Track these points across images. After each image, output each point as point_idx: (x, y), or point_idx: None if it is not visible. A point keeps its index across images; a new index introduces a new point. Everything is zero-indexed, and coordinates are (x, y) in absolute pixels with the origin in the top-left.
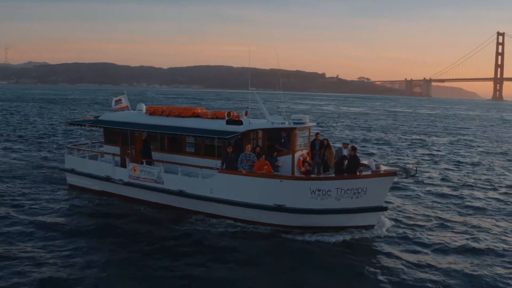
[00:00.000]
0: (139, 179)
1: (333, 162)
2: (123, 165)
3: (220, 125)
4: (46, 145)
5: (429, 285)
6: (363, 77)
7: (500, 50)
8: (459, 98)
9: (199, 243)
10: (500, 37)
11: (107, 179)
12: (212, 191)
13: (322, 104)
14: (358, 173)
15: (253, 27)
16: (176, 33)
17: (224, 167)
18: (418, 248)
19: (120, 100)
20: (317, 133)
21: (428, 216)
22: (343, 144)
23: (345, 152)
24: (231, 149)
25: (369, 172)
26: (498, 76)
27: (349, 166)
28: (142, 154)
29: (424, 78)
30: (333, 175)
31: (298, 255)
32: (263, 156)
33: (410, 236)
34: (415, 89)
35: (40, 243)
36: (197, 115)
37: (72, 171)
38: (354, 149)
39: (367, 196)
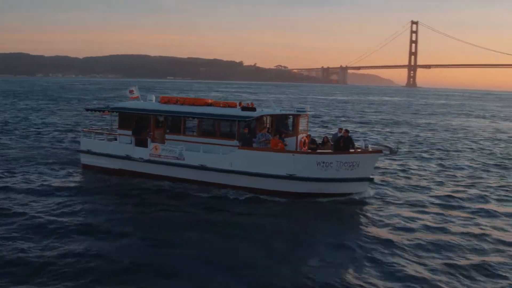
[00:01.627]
0: (161, 156)
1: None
2: (139, 145)
3: (236, 111)
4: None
5: (399, 233)
6: (281, 65)
7: (414, 38)
8: (375, 85)
9: (219, 210)
10: (414, 26)
11: (127, 157)
12: (232, 165)
13: (239, 92)
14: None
15: (171, 15)
16: (91, 22)
17: (241, 145)
18: (393, 208)
19: (132, 90)
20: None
21: (400, 187)
22: (338, 129)
23: (340, 135)
24: (247, 130)
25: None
26: (412, 63)
27: (344, 145)
28: (133, 132)
29: (341, 66)
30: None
31: (302, 215)
32: (277, 135)
33: (388, 201)
34: (332, 77)
35: (69, 214)
36: (210, 104)
37: (88, 152)
38: (347, 131)
39: (359, 168)
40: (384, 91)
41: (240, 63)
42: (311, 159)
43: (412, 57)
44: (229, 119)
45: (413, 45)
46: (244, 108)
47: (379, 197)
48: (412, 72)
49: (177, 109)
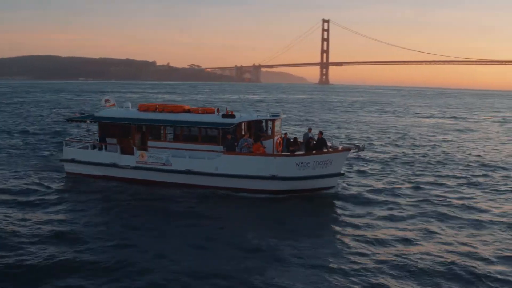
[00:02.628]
0: (147, 163)
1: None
2: (125, 153)
3: (217, 118)
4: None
5: (367, 218)
6: (194, 64)
7: (325, 36)
8: (288, 83)
9: (204, 209)
10: (325, 24)
11: (113, 165)
12: (217, 168)
13: (153, 92)
14: (325, 150)
15: (81, 15)
16: None
17: (226, 150)
18: (361, 199)
19: (108, 99)
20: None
21: (365, 181)
22: (308, 129)
23: (310, 135)
24: (230, 136)
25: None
26: (324, 61)
27: (318, 145)
28: (100, 139)
29: (254, 64)
30: (302, 152)
31: (280, 210)
32: (258, 141)
33: (356, 193)
34: (245, 75)
35: (58, 220)
36: (188, 110)
37: (72, 160)
38: (321, 133)
39: (332, 165)
40: (298, 88)
41: (153, 63)
42: (291, 161)
43: (324, 54)
44: (212, 126)
45: (325, 43)
46: (224, 116)
47: (346, 190)
48: (324, 69)
49: (160, 117)
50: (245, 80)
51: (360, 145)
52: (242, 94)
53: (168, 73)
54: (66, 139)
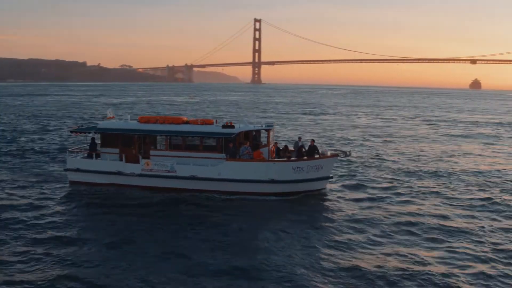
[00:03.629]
0: (152, 170)
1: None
2: (130, 161)
3: (218, 128)
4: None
5: (354, 212)
6: (126, 65)
7: (257, 36)
8: (221, 83)
9: (211, 210)
10: (257, 24)
11: (119, 173)
12: (220, 174)
13: (87, 95)
14: (317, 156)
15: (6, 14)
16: None
17: (228, 157)
18: (349, 197)
19: (110, 111)
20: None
21: (350, 181)
22: (298, 137)
23: (300, 143)
24: (232, 144)
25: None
26: (256, 60)
27: (310, 151)
28: (90, 148)
29: (186, 64)
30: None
31: (276, 210)
32: (260, 147)
33: (343, 194)
34: (177, 75)
35: (68, 225)
36: (187, 122)
37: (77, 170)
38: (313, 140)
39: (322, 170)
40: (230, 88)
41: (83, 63)
42: (288, 166)
43: (256, 54)
44: (216, 136)
45: (257, 42)
46: (224, 126)
47: (334, 192)
48: (256, 69)
49: (167, 128)
50: (177, 80)
51: (347, 151)
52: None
53: (99, 74)
54: (70, 149)
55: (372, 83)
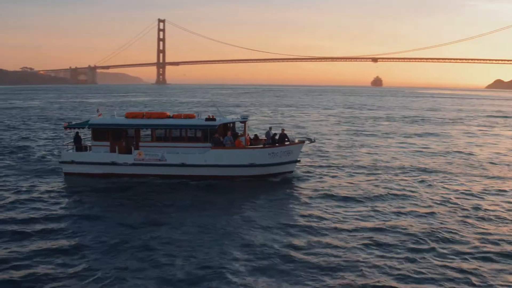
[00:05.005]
0: (144, 160)
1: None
2: (123, 152)
3: (202, 121)
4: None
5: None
6: (27, 67)
7: (161, 36)
8: (124, 84)
9: (198, 194)
10: (161, 24)
11: (112, 163)
12: (206, 161)
13: None
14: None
15: None
16: None
17: (213, 146)
18: (313, 180)
19: (98, 109)
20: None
21: (313, 166)
22: (269, 127)
23: (271, 132)
24: (216, 134)
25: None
26: (161, 61)
27: (281, 139)
28: (75, 142)
29: (89, 66)
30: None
31: (252, 190)
32: (239, 137)
33: (309, 175)
34: (80, 77)
35: (70, 212)
36: (171, 116)
37: (72, 162)
38: (283, 129)
39: (292, 154)
40: (136, 89)
41: None
42: (265, 151)
43: (161, 54)
44: (202, 128)
45: (161, 43)
46: (207, 119)
47: (301, 173)
48: (161, 69)
49: (157, 122)
50: (80, 81)
51: (312, 138)
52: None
53: None
54: (64, 143)
55: (277, 82)
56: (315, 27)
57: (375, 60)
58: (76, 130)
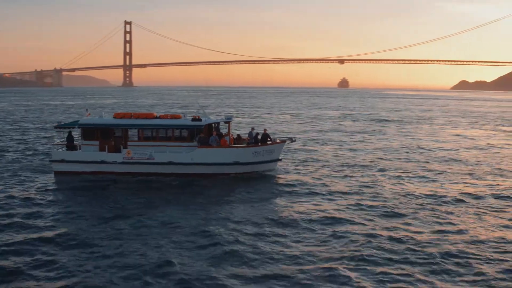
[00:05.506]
0: (133, 158)
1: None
2: (112, 151)
3: (189, 121)
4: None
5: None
6: None
7: (128, 38)
8: (90, 86)
9: (184, 190)
10: (128, 26)
11: (102, 162)
12: (192, 159)
13: None
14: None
15: None
16: None
17: (200, 145)
18: (293, 176)
19: (87, 109)
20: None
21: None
22: (251, 128)
23: (254, 132)
24: (202, 134)
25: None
26: (128, 63)
27: (263, 138)
28: (67, 141)
29: (55, 68)
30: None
31: (235, 187)
32: (223, 136)
33: (291, 174)
34: (46, 80)
35: (60, 209)
36: (158, 117)
37: (62, 160)
38: (265, 129)
39: (274, 153)
40: (103, 92)
41: None
42: (249, 150)
43: (127, 57)
44: (189, 128)
45: (128, 45)
46: (193, 119)
47: (282, 171)
48: (128, 72)
49: (146, 122)
50: (46, 84)
51: (293, 138)
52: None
53: None
54: (54, 143)
55: (246, 84)
56: (284, 29)
57: (342, 61)
58: (69, 129)
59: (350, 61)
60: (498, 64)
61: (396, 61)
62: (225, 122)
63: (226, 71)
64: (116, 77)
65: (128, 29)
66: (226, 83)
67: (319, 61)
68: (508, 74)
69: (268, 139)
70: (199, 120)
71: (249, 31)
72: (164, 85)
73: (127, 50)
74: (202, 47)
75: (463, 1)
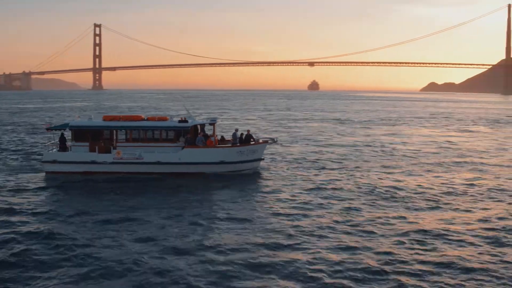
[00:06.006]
0: (123, 158)
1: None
2: (102, 152)
3: (176, 123)
4: None
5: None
6: None
7: (98, 41)
8: (59, 90)
9: (174, 188)
10: (97, 29)
11: (92, 162)
12: (180, 159)
13: None
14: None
15: None
16: None
17: (187, 145)
18: (275, 175)
19: (77, 116)
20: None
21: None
22: (235, 129)
23: (238, 133)
24: (189, 135)
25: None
26: (97, 66)
27: (247, 139)
28: (60, 143)
29: (24, 72)
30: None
31: (220, 185)
32: (209, 137)
33: (272, 172)
34: (15, 83)
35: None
36: (145, 119)
37: (54, 161)
38: (249, 130)
39: (257, 153)
40: (72, 95)
41: None
42: (234, 150)
43: (97, 59)
44: (176, 129)
45: (97, 48)
46: (180, 121)
47: (264, 169)
48: (97, 75)
49: (135, 124)
50: (15, 88)
51: (274, 138)
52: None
53: None
54: (46, 144)
55: (215, 86)
56: (254, 32)
57: (311, 64)
58: (61, 131)
59: (320, 64)
60: (466, 66)
61: (366, 64)
62: (210, 124)
63: (197, 74)
64: (85, 80)
65: (97, 32)
66: (198, 86)
67: (289, 64)
68: (475, 76)
69: (251, 139)
70: (186, 121)
71: (220, 34)
72: (135, 88)
73: (97, 53)
74: (173, 50)
75: (421, 4)
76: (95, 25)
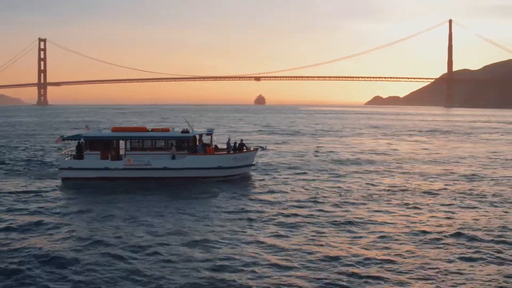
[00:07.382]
0: (133, 165)
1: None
2: (114, 159)
3: (177, 133)
4: None
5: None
6: None
7: (42, 56)
8: (3, 105)
9: (177, 192)
10: (42, 43)
11: (105, 168)
12: (184, 164)
13: None
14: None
15: None
16: None
17: (189, 152)
18: (264, 180)
19: (87, 125)
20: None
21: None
22: (228, 138)
23: (231, 142)
24: (191, 143)
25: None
26: (42, 81)
27: (240, 147)
28: (77, 151)
29: None
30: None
31: (211, 190)
32: (208, 145)
33: (263, 177)
34: None
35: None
36: (150, 130)
37: (69, 168)
38: (242, 139)
39: (249, 159)
40: (15, 111)
41: None
42: (231, 157)
43: (42, 74)
44: (180, 138)
45: (42, 62)
46: (182, 131)
47: (254, 174)
48: (42, 90)
49: (144, 134)
50: None
51: (264, 146)
52: None
53: None
54: (62, 152)
55: (163, 101)
56: (201, 47)
57: (258, 78)
58: (77, 140)
59: (266, 78)
60: (409, 80)
61: (311, 78)
62: (207, 134)
63: (147, 89)
64: (30, 95)
65: (42, 47)
66: (145, 101)
67: (235, 79)
68: (419, 89)
69: (244, 147)
70: (188, 132)
71: (168, 49)
72: (81, 104)
73: (42, 67)
74: (120, 65)
75: (366, 20)
76: (40, 40)
